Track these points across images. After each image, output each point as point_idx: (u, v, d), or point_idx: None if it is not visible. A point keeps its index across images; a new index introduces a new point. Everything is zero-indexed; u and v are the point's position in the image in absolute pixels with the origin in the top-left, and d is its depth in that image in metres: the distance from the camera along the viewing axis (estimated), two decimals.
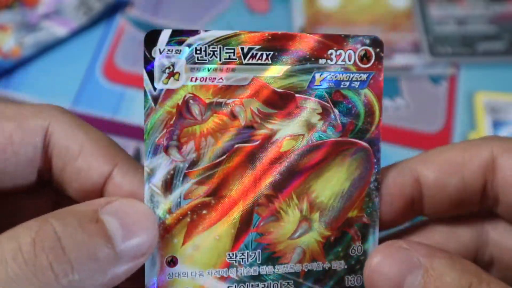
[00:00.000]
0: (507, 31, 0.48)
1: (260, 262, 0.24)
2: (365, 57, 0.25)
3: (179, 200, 0.23)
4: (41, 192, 0.25)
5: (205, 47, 0.23)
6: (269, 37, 0.23)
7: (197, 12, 0.51)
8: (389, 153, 0.44)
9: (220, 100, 0.23)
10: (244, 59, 0.23)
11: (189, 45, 0.23)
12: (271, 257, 0.24)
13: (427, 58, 0.47)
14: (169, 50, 0.23)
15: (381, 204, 0.25)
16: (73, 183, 0.24)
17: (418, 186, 0.26)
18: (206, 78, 0.23)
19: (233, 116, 0.24)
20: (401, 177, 0.26)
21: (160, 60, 0.23)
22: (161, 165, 0.23)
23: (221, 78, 0.23)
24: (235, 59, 0.23)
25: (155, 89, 0.23)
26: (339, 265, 0.25)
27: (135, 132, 0.45)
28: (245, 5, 0.52)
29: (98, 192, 0.24)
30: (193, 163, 0.23)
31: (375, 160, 0.25)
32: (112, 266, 0.21)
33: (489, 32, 0.48)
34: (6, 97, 0.45)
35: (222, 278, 0.24)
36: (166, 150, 0.23)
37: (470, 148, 0.26)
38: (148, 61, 0.23)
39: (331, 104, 0.24)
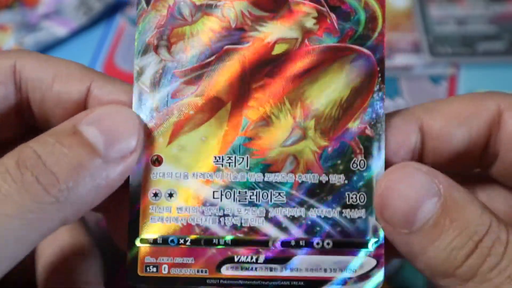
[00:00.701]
0: (507, 31, 0.47)
1: (248, 168, 0.23)
2: None
3: (166, 99, 0.23)
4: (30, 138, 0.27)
5: None
6: None
7: None
8: None
9: (211, 2, 0.24)
10: None
11: None
12: (261, 164, 0.23)
13: (427, 58, 0.47)
14: None
15: (386, 152, 0.23)
16: (55, 110, 0.24)
17: (421, 135, 0.24)
18: None
19: (224, 17, 0.24)
20: (406, 125, 0.24)
21: None
22: (150, 64, 0.24)
23: None
24: None
25: None
26: (338, 179, 0.23)
27: None
28: None
29: (82, 110, 0.24)
30: (182, 63, 0.23)
31: (378, 69, 0.23)
32: (102, 171, 0.21)
33: (489, 32, 0.47)
34: None
35: (207, 182, 0.23)
36: (156, 49, 0.24)
37: (477, 101, 0.24)
38: None
39: (327, 8, 0.24)
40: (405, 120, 0.24)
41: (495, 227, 0.21)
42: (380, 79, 0.23)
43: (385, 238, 0.23)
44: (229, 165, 0.23)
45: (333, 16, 0.24)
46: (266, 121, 0.23)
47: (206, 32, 0.24)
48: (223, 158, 0.23)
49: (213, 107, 0.23)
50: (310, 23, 0.24)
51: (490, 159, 0.25)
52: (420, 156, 0.24)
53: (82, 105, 0.24)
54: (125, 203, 0.23)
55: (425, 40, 0.47)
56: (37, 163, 0.20)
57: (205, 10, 0.24)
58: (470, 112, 0.24)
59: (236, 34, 0.24)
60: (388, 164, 0.23)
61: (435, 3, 0.49)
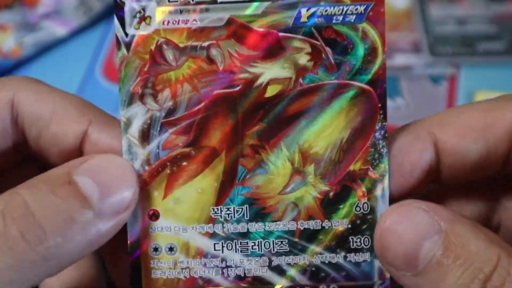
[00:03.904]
0: (507, 31, 0.47)
1: (248, 218, 0.22)
2: None
3: (157, 150, 0.22)
4: (26, 169, 0.25)
5: None
6: None
7: None
8: None
9: (195, 43, 0.22)
10: None
11: None
12: (261, 213, 0.22)
13: (427, 58, 0.47)
14: None
15: (399, 172, 0.22)
16: (51, 149, 0.23)
17: (436, 152, 0.23)
18: (178, 20, 0.22)
19: (210, 60, 0.22)
20: (420, 143, 0.23)
21: (130, 5, 0.22)
22: (137, 115, 0.22)
23: (195, 20, 0.22)
24: None
25: (126, 35, 0.22)
26: (341, 224, 0.22)
27: None
28: None
29: (78, 153, 0.23)
30: (170, 112, 0.22)
31: (380, 105, 0.22)
32: (93, 225, 0.20)
33: (489, 32, 0.47)
34: None
35: (207, 234, 0.22)
36: (142, 98, 0.22)
37: (492, 109, 0.23)
38: (119, 7, 0.22)
39: (321, 42, 0.22)
40: (418, 137, 0.23)
41: (504, 262, 0.20)
42: (382, 116, 0.22)
43: (391, 279, 0.22)
44: (228, 216, 0.22)
45: (328, 50, 0.22)
46: (263, 168, 0.22)
47: (192, 77, 0.22)
48: (221, 209, 0.22)
49: (207, 157, 0.22)
50: (303, 59, 0.22)
51: None
52: (437, 173, 0.23)
53: (78, 148, 0.23)
54: (123, 246, 0.23)
55: (425, 40, 0.47)
56: (25, 215, 0.19)
57: (189, 52, 0.22)
58: (486, 123, 0.23)
59: (224, 77, 0.22)
60: (403, 187, 0.22)
61: (435, 3, 0.49)
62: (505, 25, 0.48)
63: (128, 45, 0.22)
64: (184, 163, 0.22)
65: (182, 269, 0.23)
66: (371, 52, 0.22)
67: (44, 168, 0.23)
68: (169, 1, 0.22)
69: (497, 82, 0.45)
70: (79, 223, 0.20)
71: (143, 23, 0.22)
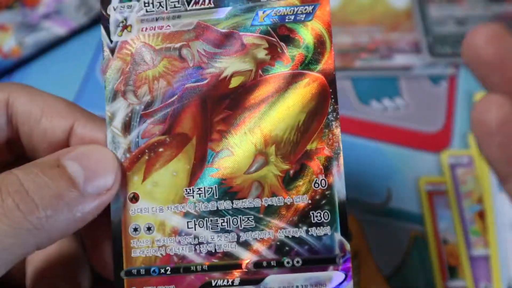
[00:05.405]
0: None
1: (217, 197, 0.25)
2: None
3: (137, 139, 0.25)
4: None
5: (152, 0, 0.26)
6: None
7: None
8: (389, 153, 0.43)
9: (169, 45, 0.25)
10: (188, 5, 0.25)
11: (138, 0, 0.26)
12: (228, 192, 0.25)
13: (427, 58, 0.47)
14: (121, 6, 0.26)
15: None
16: (41, 144, 0.26)
17: None
18: (155, 27, 0.25)
19: (182, 58, 0.25)
20: None
21: (114, 16, 0.26)
22: (120, 109, 0.25)
23: (168, 26, 0.25)
24: (180, 7, 0.25)
25: (111, 41, 0.26)
26: (302, 199, 0.24)
27: None
28: None
29: (65, 146, 0.26)
30: (148, 105, 0.25)
31: (331, 90, 0.25)
32: (79, 204, 0.23)
33: None
34: None
35: (181, 213, 0.25)
36: (124, 94, 0.25)
37: None
38: (105, 18, 0.26)
39: (277, 38, 0.25)
40: None
41: None
42: (333, 100, 0.24)
43: (351, 253, 0.24)
44: (199, 196, 0.25)
45: (283, 45, 0.25)
46: (229, 151, 0.25)
47: (167, 74, 0.25)
48: (193, 190, 0.25)
49: (180, 143, 0.25)
50: (262, 54, 0.25)
51: None
52: None
53: (66, 141, 0.26)
54: (103, 231, 0.26)
55: (425, 40, 0.47)
56: (19, 190, 0.22)
57: (164, 53, 0.25)
58: None
59: (194, 73, 0.25)
60: None
61: (435, 3, 0.49)
62: (505, 25, 0.46)
63: (112, 50, 0.26)
64: (161, 149, 0.25)
65: (159, 247, 0.25)
66: (320, 45, 0.25)
67: None
68: (147, 11, 0.26)
69: None
70: (66, 200, 0.23)
71: (125, 31, 0.26)
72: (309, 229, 0.24)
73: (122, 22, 0.26)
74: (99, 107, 0.45)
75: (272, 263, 0.24)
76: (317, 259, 0.24)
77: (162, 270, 0.25)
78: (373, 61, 0.46)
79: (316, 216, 0.24)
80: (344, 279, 0.24)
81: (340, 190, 0.24)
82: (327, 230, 0.24)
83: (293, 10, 0.25)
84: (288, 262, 0.24)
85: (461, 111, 0.45)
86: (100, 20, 0.26)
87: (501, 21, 0.47)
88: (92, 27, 0.50)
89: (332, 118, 0.24)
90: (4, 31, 0.48)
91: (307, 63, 0.25)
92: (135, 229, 0.25)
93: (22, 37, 0.48)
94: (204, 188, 0.25)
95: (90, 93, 0.47)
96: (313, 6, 0.25)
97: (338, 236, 0.24)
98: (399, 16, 0.49)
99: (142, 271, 0.25)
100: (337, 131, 0.24)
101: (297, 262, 0.24)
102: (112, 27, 0.26)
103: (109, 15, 0.26)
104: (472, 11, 0.48)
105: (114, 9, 0.26)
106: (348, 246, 0.24)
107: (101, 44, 0.26)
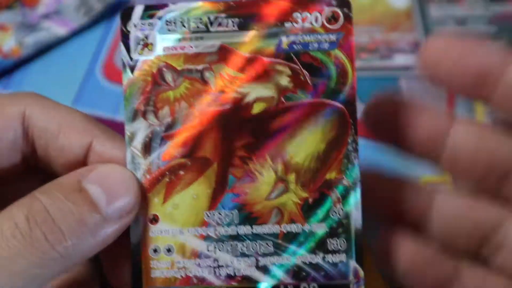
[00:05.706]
0: (507, 31, 0.47)
1: (237, 222, 0.25)
2: (332, 18, 0.25)
3: (157, 161, 0.25)
4: (29, 178, 0.28)
5: (174, 19, 0.25)
6: (234, 5, 0.25)
7: None
8: (389, 153, 0.43)
9: (191, 67, 0.25)
10: (211, 27, 0.25)
11: (160, 18, 0.25)
12: (249, 218, 0.25)
13: None
14: (142, 23, 0.25)
15: None
16: (58, 159, 0.26)
17: None
18: (177, 47, 0.25)
19: (204, 81, 0.25)
20: None
21: (135, 33, 0.25)
22: (140, 129, 0.25)
23: (191, 46, 0.25)
24: (203, 27, 0.25)
25: (131, 59, 0.25)
26: (319, 227, 0.25)
27: None
28: None
29: (82, 163, 0.26)
30: (169, 127, 0.25)
31: (351, 121, 0.25)
32: (101, 228, 0.23)
33: (489, 32, 0.47)
34: None
35: (201, 237, 0.25)
36: (144, 115, 0.25)
37: None
38: (125, 35, 0.25)
39: (300, 66, 0.25)
40: None
41: None
42: (353, 131, 0.25)
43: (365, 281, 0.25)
44: (220, 220, 0.25)
45: (306, 73, 0.25)
46: (251, 177, 0.25)
47: (189, 96, 0.25)
48: (214, 214, 0.25)
49: (201, 167, 0.25)
50: (284, 81, 0.25)
51: None
52: None
53: (83, 158, 0.26)
54: (122, 251, 0.26)
55: (425, 40, 0.47)
56: (46, 219, 0.22)
57: (186, 74, 0.25)
58: None
59: (216, 96, 0.25)
60: None
61: (435, 3, 0.49)
62: (505, 25, 0.47)
63: (132, 68, 0.25)
64: (181, 172, 0.25)
65: (178, 268, 0.25)
66: (343, 75, 0.25)
67: (46, 179, 0.25)
68: (168, 30, 0.25)
69: None
70: (90, 225, 0.23)
71: (145, 49, 0.25)
72: (326, 255, 0.25)
73: (143, 40, 0.25)
74: (99, 107, 0.46)
75: (289, 287, 0.25)
76: (332, 285, 0.25)
77: None
78: (373, 61, 0.46)
79: (333, 244, 0.25)
80: None
81: (356, 219, 0.25)
82: (342, 257, 0.25)
83: (317, 38, 0.25)
84: (304, 287, 0.25)
85: (461, 112, 0.44)
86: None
87: (501, 21, 0.47)
88: (92, 27, 0.50)
89: (351, 148, 0.25)
90: (4, 31, 0.48)
91: (329, 93, 0.25)
92: (155, 250, 0.25)
93: (22, 37, 0.47)
94: (225, 212, 0.25)
95: (90, 93, 0.47)
96: (336, 35, 0.25)
97: (353, 263, 0.25)
98: (399, 16, 0.49)
99: None
100: (356, 162, 0.25)
101: (313, 287, 0.25)
102: (132, 44, 0.25)
103: (129, 32, 0.25)
104: (472, 11, 0.48)
105: (135, 26, 0.25)
106: (362, 273, 0.25)
107: (122, 62, 0.25)
